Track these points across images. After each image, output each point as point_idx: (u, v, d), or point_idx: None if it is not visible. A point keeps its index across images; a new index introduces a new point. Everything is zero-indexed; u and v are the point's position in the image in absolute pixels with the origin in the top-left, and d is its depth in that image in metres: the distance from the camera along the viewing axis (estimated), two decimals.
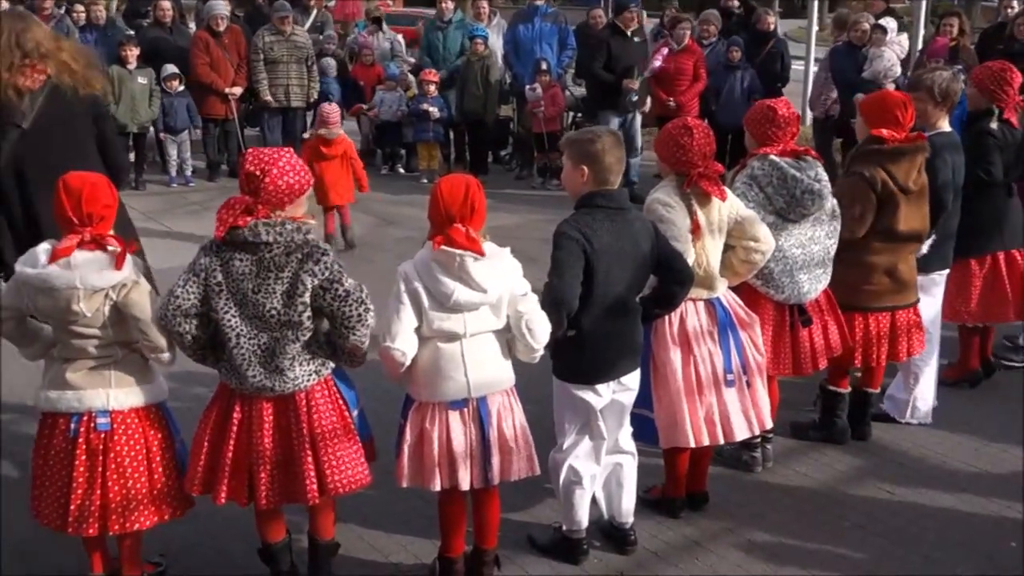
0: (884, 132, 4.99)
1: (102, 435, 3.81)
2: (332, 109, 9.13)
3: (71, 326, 3.73)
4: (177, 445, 4.03)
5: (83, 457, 3.81)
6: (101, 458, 3.81)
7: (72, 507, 3.81)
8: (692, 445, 4.48)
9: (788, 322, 4.94)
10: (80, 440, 3.80)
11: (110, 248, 3.70)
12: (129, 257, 3.77)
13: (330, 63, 12.44)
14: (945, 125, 5.55)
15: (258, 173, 3.63)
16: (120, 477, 3.82)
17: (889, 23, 10.68)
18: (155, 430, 3.92)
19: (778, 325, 4.93)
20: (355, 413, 3.98)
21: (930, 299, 5.63)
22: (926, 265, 5.47)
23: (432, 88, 11.83)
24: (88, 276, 3.65)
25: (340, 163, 9.05)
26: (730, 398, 4.51)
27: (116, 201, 3.84)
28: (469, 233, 3.74)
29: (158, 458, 3.91)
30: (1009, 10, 10.73)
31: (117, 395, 3.83)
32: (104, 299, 3.70)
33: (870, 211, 4.99)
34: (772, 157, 4.78)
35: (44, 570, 4.35)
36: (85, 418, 3.80)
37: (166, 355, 3.86)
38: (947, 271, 5.71)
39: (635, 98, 10.88)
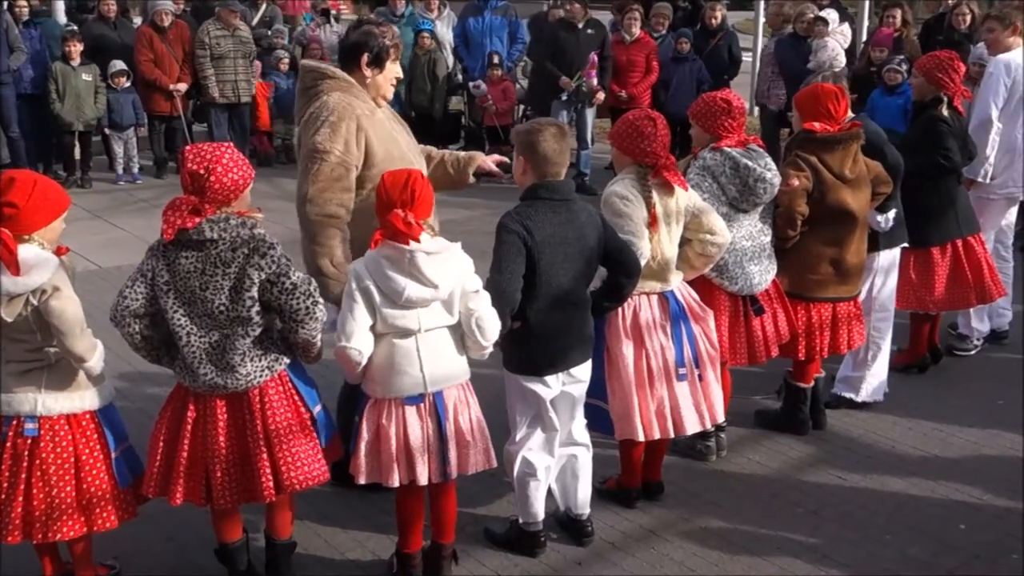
0: (816, 126, 5.06)
1: (28, 441, 3.73)
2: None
3: (3, 328, 3.66)
4: (117, 453, 3.93)
5: (9, 462, 3.74)
6: (26, 464, 3.73)
7: None
8: (642, 439, 4.50)
9: (742, 312, 4.99)
10: (8, 444, 3.74)
11: None
12: (55, 262, 3.65)
13: (281, 55, 12.32)
14: (850, 113, 5.60)
15: (202, 172, 3.59)
16: (45, 485, 3.74)
17: (830, 14, 10.79)
18: (86, 438, 3.83)
19: (733, 316, 4.98)
20: (316, 410, 3.96)
21: (888, 277, 5.72)
22: (890, 241, 5.59)
23: None
24: (2, 280, 3.54)
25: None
26: (681, 392, 4.53)
27: (34, 203, 3.60)
28: (407, 218, 3.70)
29: (88, 467, 3.82)
30: (949, 0, 10.90)
31: (46, 400, 3.75)
32: (25, 304, 3.60)
33: (801, 198, 5.03)
34: (724, 147, 4.82)
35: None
36: (14, 422, 3.74)
37: (88, 364, 3.76)
38: (902, 246, 5.79)
39: (585, 88, 10.78)
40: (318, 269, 4.33)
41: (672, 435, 4.59)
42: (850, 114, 5.50)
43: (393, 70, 4.58)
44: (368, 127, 4.39)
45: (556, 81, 10.82)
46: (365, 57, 4.46)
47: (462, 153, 5.03)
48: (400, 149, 4.54)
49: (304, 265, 4.49)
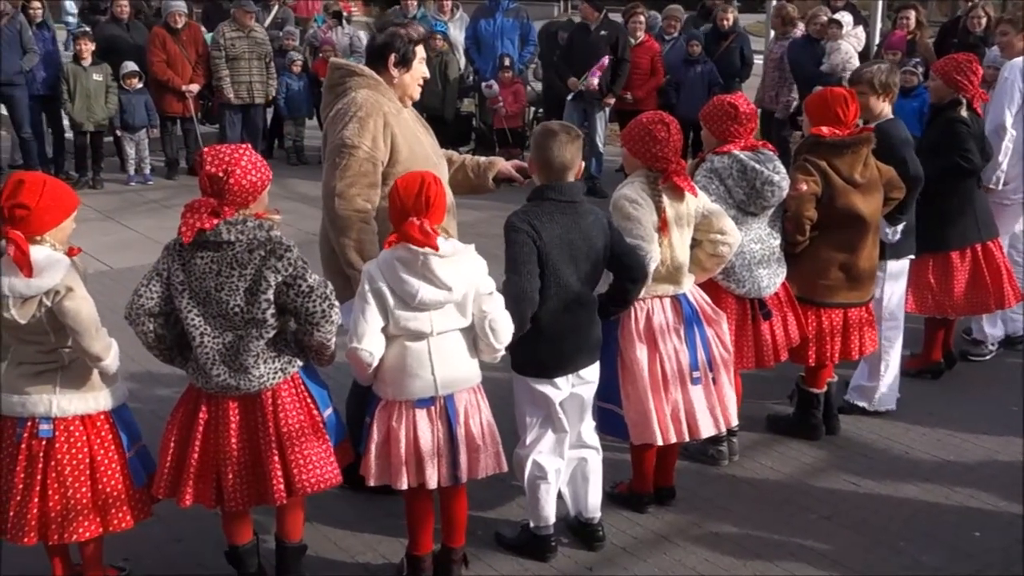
0: (824, 130, 5.02)
1: (43, 442, 3.73)
2: None
3: (14, 331, 3.65)
4: (131, 453, 3.93)
5: (24, 464, 3.74)
6: (41, 466, 3.73)
7: (10, 514, 3.75)
8: (660, 442, 4.48)
9: (750, 316, 4.96)
10: (23, 446, 3.74)
11: (11, 250, 3.51)
12: (66, 262, 3.65)
13: (294, 57, 12.32)
14: (889, 113, 5.58)
15: (221, 174, 3.58)
16: (60, 486, 3.74)
17: (844, 17, 10.75)
18: (101, 438, 3.83)
19: (740, 319, 4.95)
20: (327, 412, 3.95)
21: (896, 285, 5.68)
22: (896, 251, 5.54)
23: None
24: (15, 283, 3.53)
25: None
26: (696, 395, 4.51)
27: (45, 203, 3.59)
28: (424, 226, 3.70)
29: (103, 467, 3.82)
30: (969, 3, 10.85)
31: (60, 401, 3.74)
32: (39, 306, 3.60)
33: (809, 201, 5.00)
34: (732, 150, 4.80)
35: (5, 571, 4.27)
36: (29, 424, 3.74)
37: (105, 363, 3.76)
38: (909, 258, 5.75)
39: (584, 87, 10.67)
40: (348, 262, 4.36)
41: (687, 438, 4.57)
42: (888, 113, 5.47)
43: (420, 70, 4.61)
44: (394, 124, 4.43)
45: (566, 82, 10.85)
46: (392, 57, 4.50)
47: (482, 158, 5.03)
48: (424, 149, 4.56)
49: (321, 265, 4.49)
